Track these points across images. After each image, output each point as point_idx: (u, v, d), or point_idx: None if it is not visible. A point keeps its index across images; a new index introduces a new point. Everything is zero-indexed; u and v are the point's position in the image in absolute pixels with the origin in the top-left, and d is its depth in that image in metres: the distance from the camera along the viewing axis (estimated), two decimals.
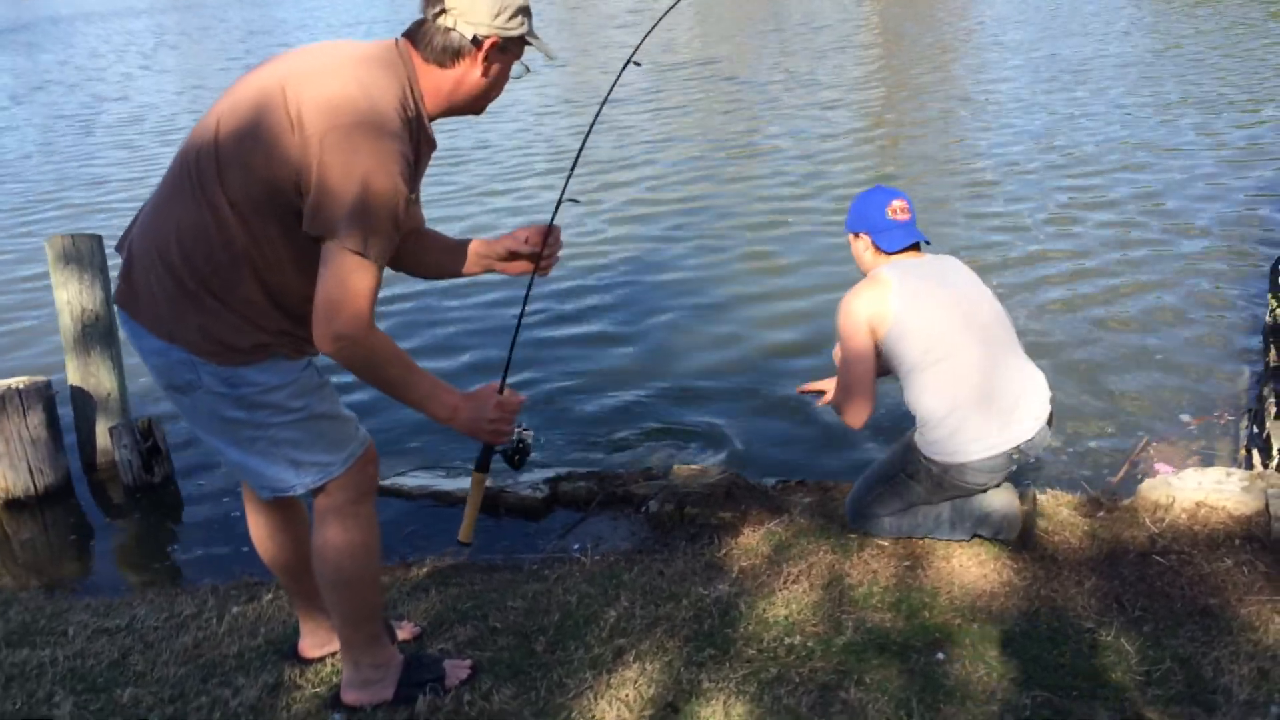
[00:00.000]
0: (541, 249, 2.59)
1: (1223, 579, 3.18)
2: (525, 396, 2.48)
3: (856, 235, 3.50)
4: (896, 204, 3.42)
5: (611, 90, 3.07)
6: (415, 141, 2.23)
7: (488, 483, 2.78)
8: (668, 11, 3.25)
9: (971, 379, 3.27)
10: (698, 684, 2.77)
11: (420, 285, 6.78)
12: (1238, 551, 3.33)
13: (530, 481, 4.48)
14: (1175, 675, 2.70)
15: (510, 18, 2.21)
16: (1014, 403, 3.32)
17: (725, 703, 2.68)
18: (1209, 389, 5.20)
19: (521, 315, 2.79)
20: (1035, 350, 5.56)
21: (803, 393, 4.00)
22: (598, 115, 3.05)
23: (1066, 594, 3.15)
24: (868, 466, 3.73)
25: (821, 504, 3.92)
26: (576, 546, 3.96)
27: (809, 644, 2.94)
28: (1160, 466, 4.40)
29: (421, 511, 4.42)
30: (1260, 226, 7.53)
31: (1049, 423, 3.40)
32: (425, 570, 3.76)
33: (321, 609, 2.78)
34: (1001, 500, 3.41)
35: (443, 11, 2.19)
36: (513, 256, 2.62)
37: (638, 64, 2.97)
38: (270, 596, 3.49)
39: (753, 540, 3.65)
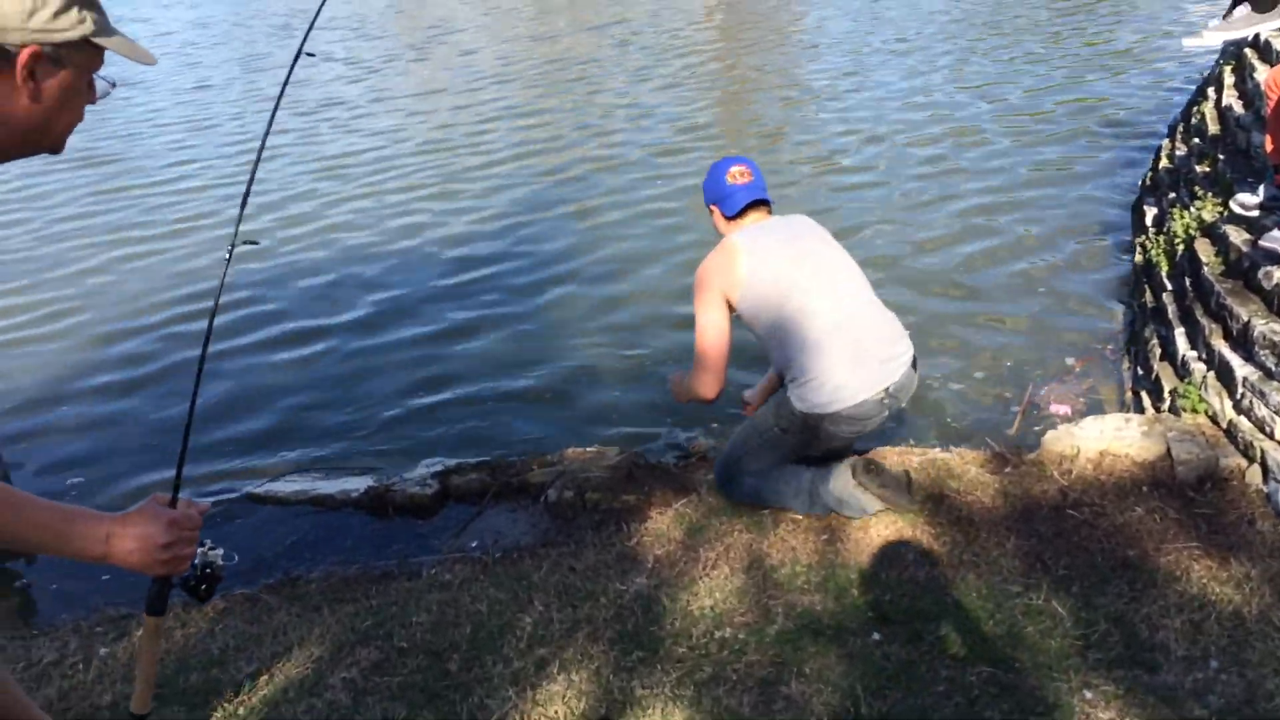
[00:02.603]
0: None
1: (1137, 529, 3.18)
2: (208, 504, 1.91)
3: (710, 208, 3.58)
4: (736, 169, 3.51)
5: (282, 94, 2.49)
6: None
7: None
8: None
9: (830, 328, 3.29)
10: (630, 691, 2.59)
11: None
12: (1146, 499, 3.34)
13: (418, 477, 4.21)
14: (1112, 636, 2.67)
15: (55, 15, 1.57)
16: (875, 346, 3.33)
17: (662, 710, 2.51)
18: (1088, 329, 5.27)
19: (195, 392, 2.06)
20: (910, 306, 5.60)
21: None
22: (268, 129, 2.41)
23: (989, 557, 3.10)
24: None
25: None
26: (475, 544, 3.72)
27: (740, 635, 2.80)
28: (1056, 408, 4.45)
29: (301, 519, 4.10)
30: (1117, 165, 7.72)
31: (913, 366, 3.42)
32: (313, 585, 3.47)
33: None
34: (849, 490, 3.36)
35: None
36: None
37: (310, 55, 2.56)
38: (142, 631, 3.14)
39: (662, 524, 3.49)
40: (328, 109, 11.78)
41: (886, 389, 3.28)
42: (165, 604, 1.93)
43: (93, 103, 1.71)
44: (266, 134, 2.38)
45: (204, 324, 2.06)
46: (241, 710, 2.67)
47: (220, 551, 1.93)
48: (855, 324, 3.32)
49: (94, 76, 1.68)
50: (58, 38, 1.57)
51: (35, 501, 1.69)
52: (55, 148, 1.70)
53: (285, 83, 2.45)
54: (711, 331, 3.40)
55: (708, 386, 3.45)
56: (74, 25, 1.58)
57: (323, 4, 2.75)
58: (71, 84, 1.63)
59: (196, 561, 1.85)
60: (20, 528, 1.65)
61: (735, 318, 3.44)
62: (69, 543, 1.70)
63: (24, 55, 1.55)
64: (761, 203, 3.50)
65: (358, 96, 12.41)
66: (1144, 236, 5.50)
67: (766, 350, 3.49)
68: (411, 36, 16.79)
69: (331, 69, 14.05)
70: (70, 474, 4.73)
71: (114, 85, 1.77)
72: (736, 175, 3.49)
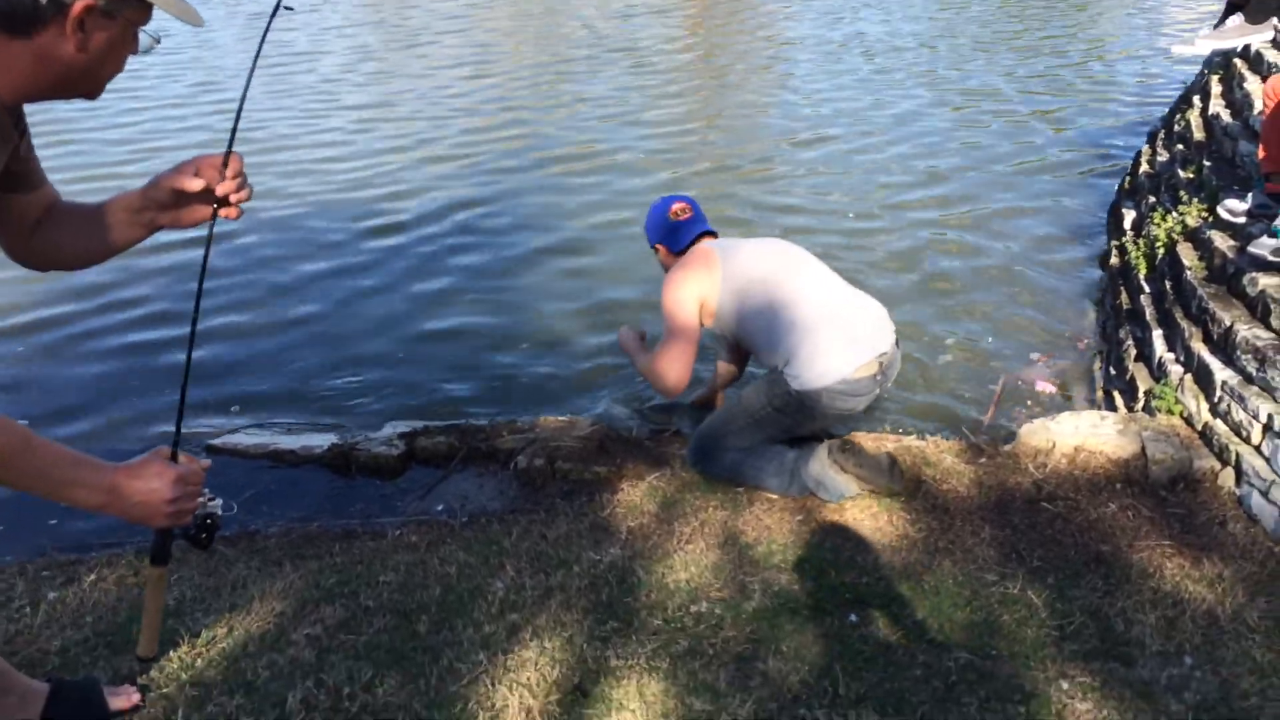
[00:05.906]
0: (220, 181, 1.81)
1: (1110, 525, 3.19)
2: (209, 462, 1.89)
3: (655, 248, 3.72)
4: (676, 207, 3.68)
5: (265, 36, 2.25)
6: None
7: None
8: None
9: (819, 307, 3.37)
10: (605, 661, 2.55)
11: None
12: (1119, 495, 3.35)
13: (384, 436, 4.11)
14: (1088, 629, 2.67)
15: None
16: (860, 317, 3.43)
17: (638, 682, 2.47)
18: (1055, 327, 5.26)
19: (194, 327, 1.95)
20: (883, 300, 5.55)
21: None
22: (253, 67, 2.25)
23: (965, 545, 3.09)
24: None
25: None
26: (441, 508, 3.64)
27: (716, 610, 2.76)
28: (1041, 385, 4.51)
29: (261, 473, 3.98)
30: (1091, 169, 7.76)
31: (895, 342, 3.50)
32: (272, 540, 3.37)
33: None
34: (827, 472, 3.37)
35: None
36: (179, 200, 1.83)
37: (289, 9, 2.52)
38: (93, 578, 3.04)
39: (635, 497, 3.44)
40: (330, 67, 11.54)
41: (879, 362, 3.34)
42: (168, 554, 1.97)
43: (135, 53, 1.70)
44: (244, 97, 2.27)
45: (194, 283, 1.97)
46: (199, 662, 2.58)
47: (219, 501, 1.94)
48: (841, 304, 3.43)
49: (138, 30, 1.67)
50: None
51: (46, 444, 1.64)
52: (92, 94, 1.69)
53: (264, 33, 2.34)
54: (686, 334, 3.46)
55: (676, 382, 3.49)
56: None
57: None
58: (118, 36, 1.63)
59: (198, 513, 1.86)
60: (35, 476, 1.63)
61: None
62: (69, 489, 1.67)
63: (77, 7, 1.54)
64: (708, 233, 3.67)
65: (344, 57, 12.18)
66: (1121, 239, 5.52)
67: (750, 346, 3.58)
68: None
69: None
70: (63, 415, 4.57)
71: (158, 40, 1.73)
72: (678, 213, 3.65)
